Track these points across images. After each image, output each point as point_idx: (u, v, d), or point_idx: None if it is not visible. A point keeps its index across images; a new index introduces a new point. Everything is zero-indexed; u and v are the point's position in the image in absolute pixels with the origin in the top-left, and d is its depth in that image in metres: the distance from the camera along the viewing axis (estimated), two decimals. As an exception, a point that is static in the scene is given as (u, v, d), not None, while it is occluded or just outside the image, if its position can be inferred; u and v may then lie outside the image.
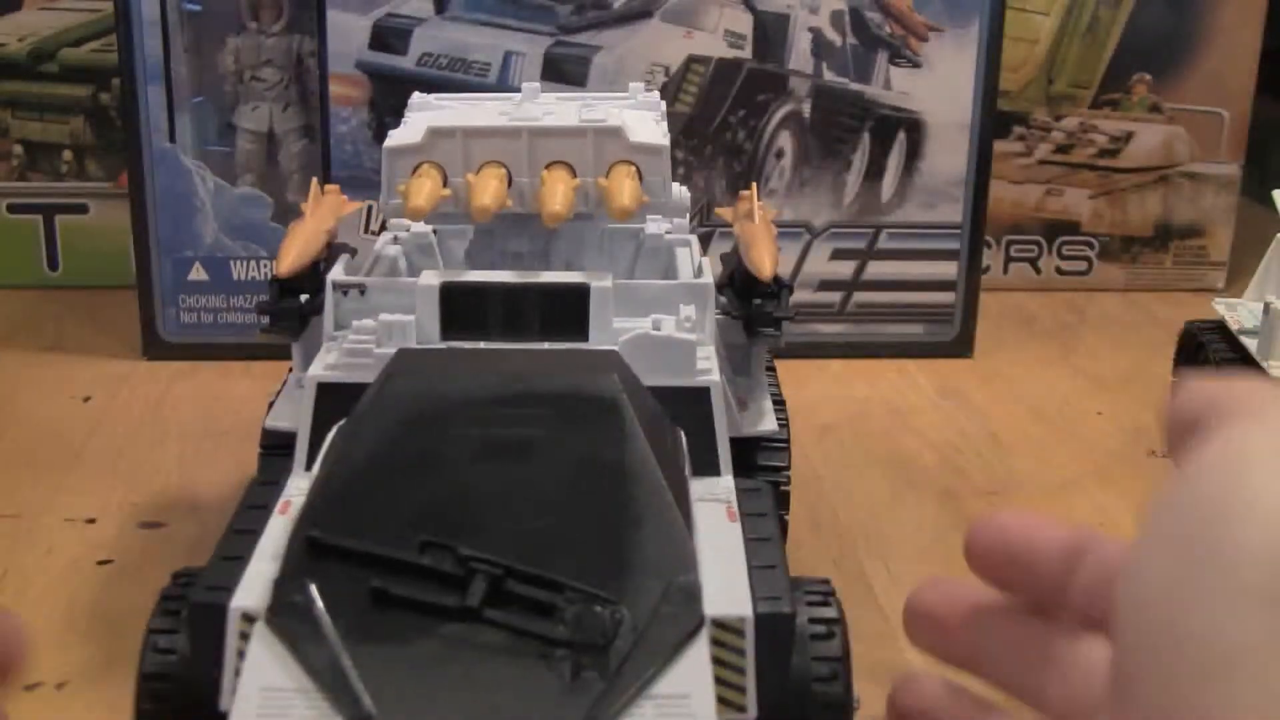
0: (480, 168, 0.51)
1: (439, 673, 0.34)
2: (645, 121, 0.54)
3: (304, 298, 0.54)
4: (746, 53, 0.83)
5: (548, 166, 0.52)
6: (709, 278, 0.52)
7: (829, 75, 0.83)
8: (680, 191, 0.60)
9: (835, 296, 0.86)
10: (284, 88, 0.84)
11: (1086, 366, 0.87)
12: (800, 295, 0.86)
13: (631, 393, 0.41)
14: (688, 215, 0.60)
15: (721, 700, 0.35)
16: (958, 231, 0.85)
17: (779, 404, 0.55)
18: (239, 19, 0.83)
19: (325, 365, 0.47)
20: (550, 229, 0.52)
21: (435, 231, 0.58)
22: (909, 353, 0.86)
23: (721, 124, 0.83)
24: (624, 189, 0.50)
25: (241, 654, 0.35)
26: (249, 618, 0.36)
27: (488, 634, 0.35)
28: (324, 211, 0.58)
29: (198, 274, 0.84)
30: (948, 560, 0.62)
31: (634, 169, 0.52)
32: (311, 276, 0.54)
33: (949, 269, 0.86)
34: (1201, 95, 0.97)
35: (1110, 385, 0.83)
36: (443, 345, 0.47)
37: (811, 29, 0.83)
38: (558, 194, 0.50)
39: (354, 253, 0.56)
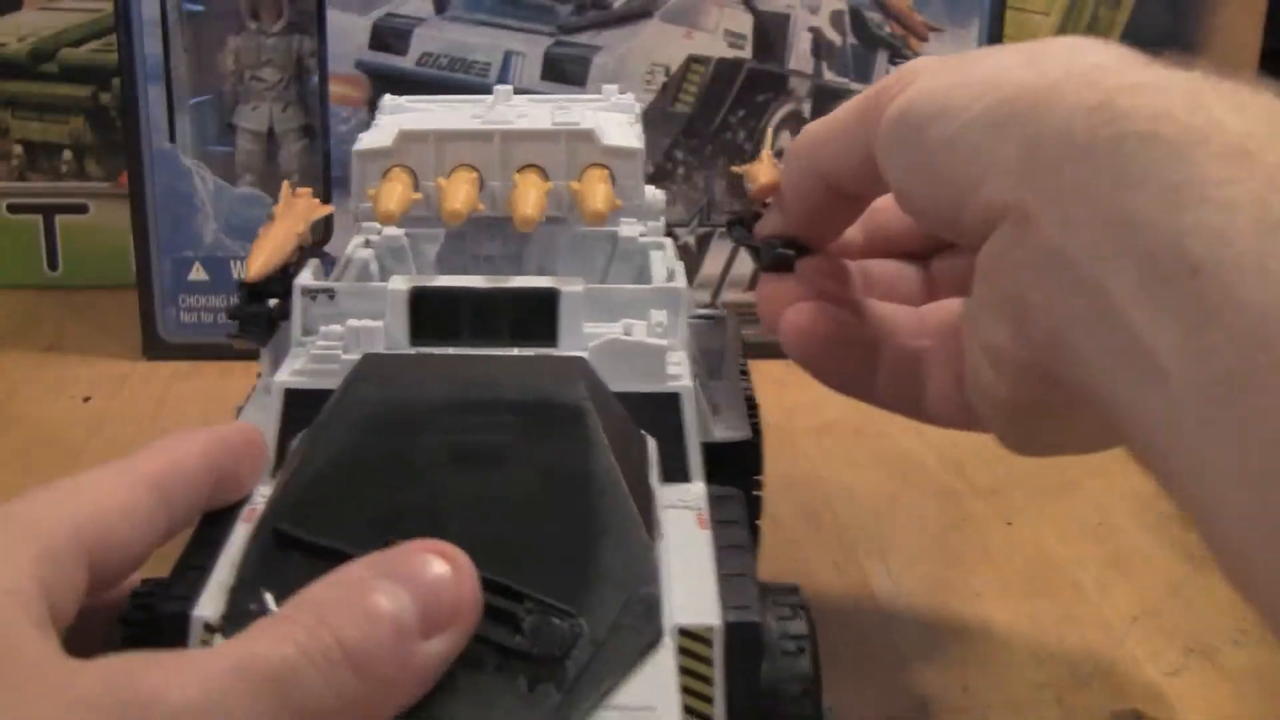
0: (452, 171, 0.51)
1: None
2: (619, 124, 0.54)
3: (273, 302, 0.53)
4: (746, 53, 0.83)
5: (520, 170, 0.52)
6: (682, 282, 0.51)
7: (829, 75, 0.83)
8: (654, 194, 0.60)
9: (835, 296, 0.86)
10: (284, 88, 0.84)
11: (1086, 366, 0.86)
12: (800, 295, 0.86)
13: (597, 399, 0.40)
14: (662, 218, 0.60)
15: (688, 710, 0.35)
16: (958, 231, 0.85)
17: (753, 407, 0.55)
18: (239, 19, 0.83)
19: (292, 371, 0.47)
20: (523, 233, 0.52)
21: (408, 235, 0.58)
22: (909, 353, 0.86)
23: (721, 124, 0.83)
24: (596, 193, 0.50)
25: None
26: (210, 627, 0.36)
27: None
28: (294, 215, 0.57)
29: (198, 274, 0.84)
30: (948, 560, 0.63)
31: (607, 172, 0.52)
32: (281, 281, 0.53)
33: (949, 269, 0.86)
34: (1201, 95, 0.97)
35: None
36: (410, 351, 0.47)
37: (811, 29, 0.83)
38: (530, 198, 0.50)
39: (324, 256, 0.55)
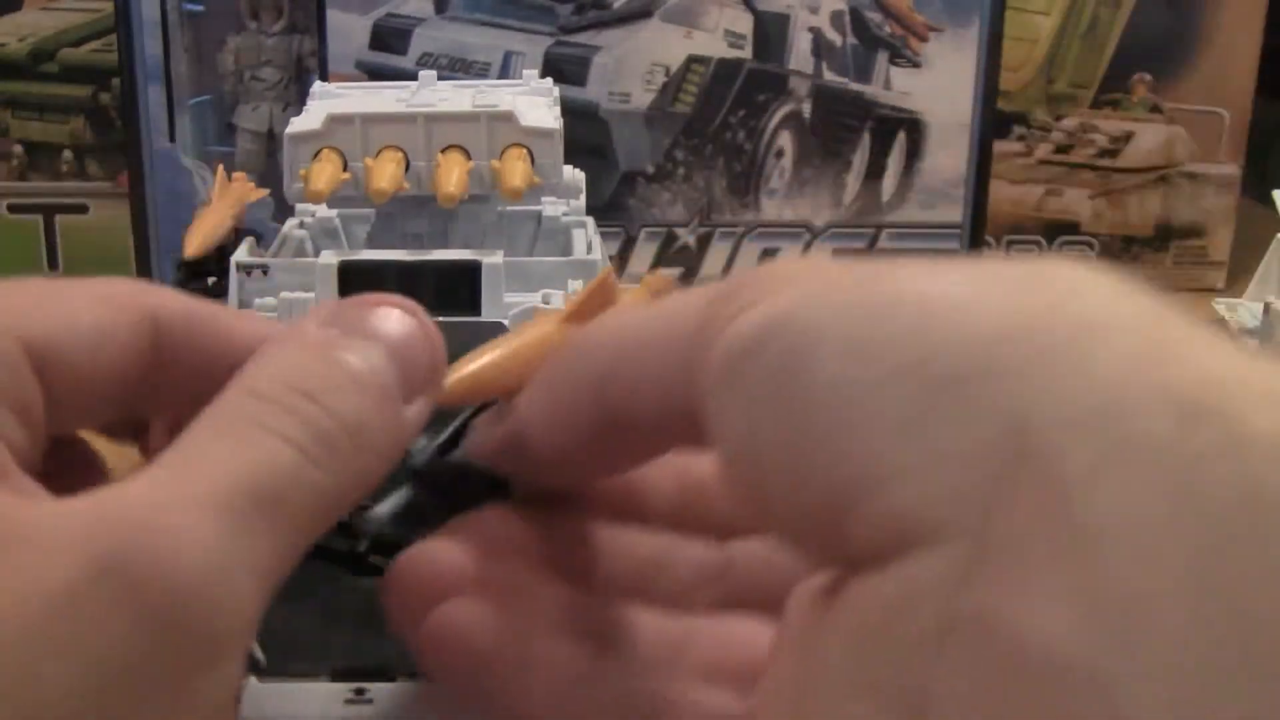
0: (378, 152, 0.54)
1: (326, 623, 0.36)
2: (537, 107, 0.57)
3: (211, 280, 0.57)
4: (746, 53, 0.83)
5: (443, 150, 0.54)
6: (599, 254, 0.55)
7: (829, 75, 0.83)
8: (574, 174, 0.63)
9: (835, 296, 0.86)
10: (284, 88, 0.84)
11: (1086, 366, 0.86)
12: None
13: None
14: (582, 196, 0.63)
15: None
16: (958, 231, 0.85)
17: None
18: (239, 19, 0.83)
19: None
20: (447, 210, 0.55)
21: (340, 215, 0.60)
22: (909, 353, 0.86)
23: (721, 124, 0.83)
24: (515, 170, 0.53)
25: None
26: None
27: (372, 585, 0.37)
28: (230, 198, 0.61)
29: (198, 274, 0.84)
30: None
31: (526, 151, 0.54)
32: (218, 260, 0.57)
33: (949, 269, 0.86)
34: (1201, 95, 0.97)
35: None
36: None
37: (811, 29, 0.83)
38: (452, 176, 0.53)
39: (259, 237, 0.58)
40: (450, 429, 0.27)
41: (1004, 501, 0.19)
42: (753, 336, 0.22)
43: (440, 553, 0.26)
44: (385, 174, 0.52)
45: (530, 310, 0.49)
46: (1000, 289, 0.21)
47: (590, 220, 0.60)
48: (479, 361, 0.27)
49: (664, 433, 0.25)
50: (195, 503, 0.22)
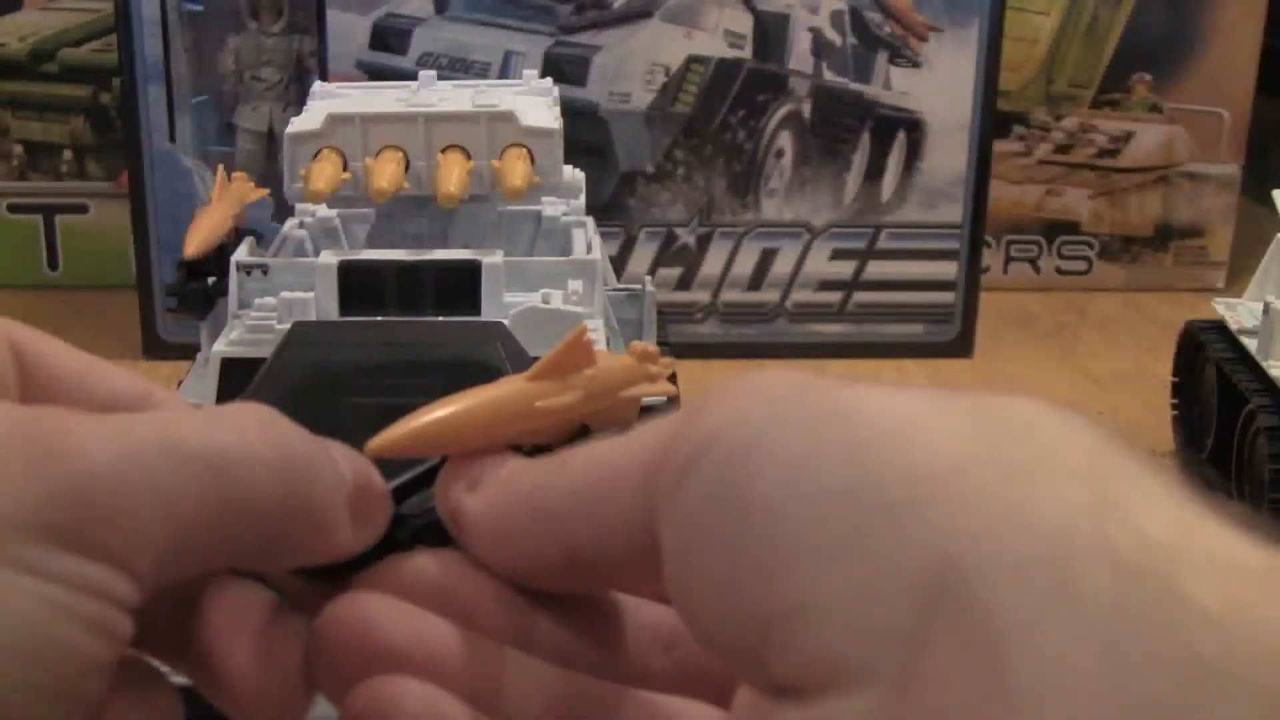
0: (379, 152, 0.54)
1: None
2: (537, 106, 0.57)
3: (210, 280, 0.57)
4: (746, 53, 0.83)
5: (443, 150, 0.55)
6: (598, 254, 0.55)
7: (829, 75, 0.83)
8: (573, 173, 0.63)
9: (835, 296, 0.86)
10: (284, 88, 0.84)
11: (1086, 366, 0.87)
12: (800, 295, 0.86)
13: (514, 360, 0.43)
14: (582, 196, 0.63)
15: None
16: (958, 231, 0.85)
17: (671, 377, 0.60)
18: (239, 19, 0.83)
19: (228, 341, 0.50)
20: (447, 210, 0.55)
21: (340, 216, 0.60)
22: (909, 353, 0.86)
23: (721, 124, 0.83)
24: (515, 170, 0.53)
25: None
26: None
27: None
28: (230, 198, 0.61)
29: (198, 274, 0.84)
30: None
31: (526, 151, 0.55)
32: (218, 260, 0.57)
33: (949, 269, 0.86)
34: (1201, 95, 0.97)
35: (1110, 385, 0.83)
36: (339, 319, 0.50)
37: (811, 29, 0.83)
38: (452, 176, 0.53)
39: (259, 237, 0.59)
40: (411, 474, 0.26)
41: (929, 646, 0.18)
42: (696, 445, 0.21)
43: (375, 611, 0.24)
44: (385, 174, 0.52)
45: (530, 310, 0.49)
46: (947, 419, 0.20)
47: (590, 220, 0.60)
48: (429, 416, 0.26)
49: (630, 571, 0.24)
50: (124, 421, 0.23)
